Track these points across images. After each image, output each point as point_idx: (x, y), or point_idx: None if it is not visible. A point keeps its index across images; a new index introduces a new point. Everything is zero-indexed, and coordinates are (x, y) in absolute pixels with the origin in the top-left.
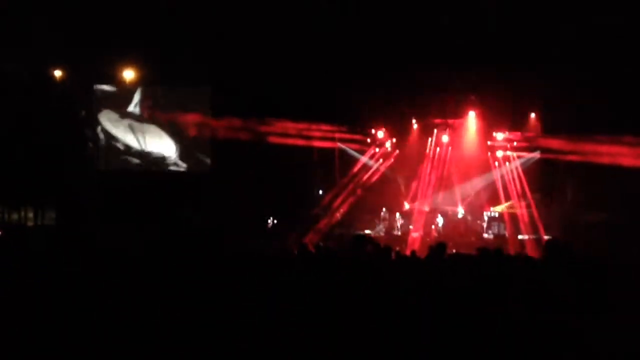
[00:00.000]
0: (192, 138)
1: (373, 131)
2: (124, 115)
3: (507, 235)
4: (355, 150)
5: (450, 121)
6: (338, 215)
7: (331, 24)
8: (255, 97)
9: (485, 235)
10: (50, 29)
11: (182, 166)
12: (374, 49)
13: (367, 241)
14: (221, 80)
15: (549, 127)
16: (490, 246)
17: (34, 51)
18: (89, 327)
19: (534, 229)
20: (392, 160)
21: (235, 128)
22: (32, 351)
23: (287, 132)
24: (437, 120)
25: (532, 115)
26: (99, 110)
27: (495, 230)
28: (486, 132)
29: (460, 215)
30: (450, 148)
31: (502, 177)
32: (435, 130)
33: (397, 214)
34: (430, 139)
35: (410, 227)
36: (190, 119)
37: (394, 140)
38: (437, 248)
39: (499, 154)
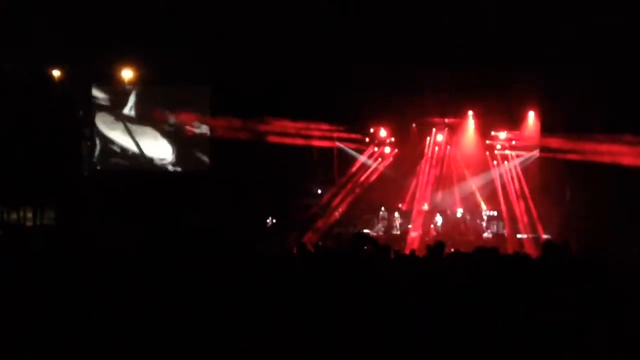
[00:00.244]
0: (190, 137)
1: (372, 130)
2: (120, 117)
3: (506, 234)
4: (354, 150)
5: (448, 120)
6: (337, 214)
7: (331, 23)
8: (254, 97)
9: (485, 235)
10: (49, 29)
11: (181, 166)
12: (373, 49)
13: (367, 240)
14: (220, 80)
15: (548, 126)
16: (489, 245)
17: (32, 51)
18: (88, 328)
19: (532, 228)
20: (390, 159)
21: (234, 128)
22: (32, 351)
23: (286, 132)
24: (436, 120)
25: (531, 114)
26: (95, 113)
27: (495, 229)
28: (485, 131)
29: (459, 215)
30: (448, 147)
31: (500, 176)
32: (434, 130)
33: (396, 213)
34: (428, 138)
35: (409, 226)
36: (189, 119)
37: (393, 139)
38: (436, 247)
39: (498, 153)
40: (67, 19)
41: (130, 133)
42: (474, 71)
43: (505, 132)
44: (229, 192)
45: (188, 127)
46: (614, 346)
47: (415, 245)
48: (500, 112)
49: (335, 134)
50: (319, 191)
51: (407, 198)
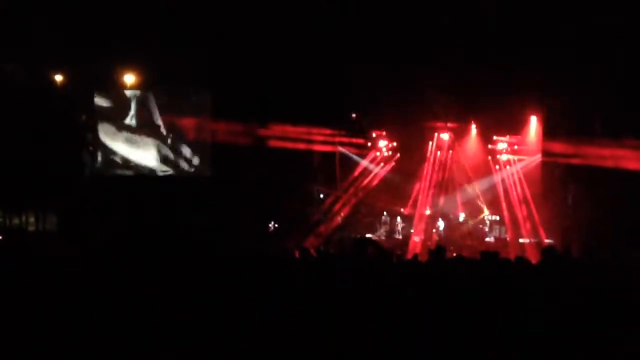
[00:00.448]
0: (192, 142)
1: (374, 135)
2: (122, 128)
3: (508, 238)
4: (356, 154)
5: (451, 125)
6: (339, 219)
7: (332, 27)
8: (256, 101)
9: (487, 239)
10: (51, 33)
11: (182, 171)
12: (375, 53)
13: (369, 244)
14: (222, 84)
15: (550, 131)
16: (491, 250)
17: (34, 55)
18: (89, 331)
19: (535, 233)
20: (393, 164)
21: (236, 132)
22: (33, 354)
23: (287, 136)
24: (438, 124)
25: (533, 118)
26: (97, 123)
27: (497, 234)
28: (487, 135)
29: (461, 219)
30: (450, 152)
31: (502, 180)
32: (436, 134)
33: (398, 218)
34: (431, 143)
35: (412, 230)
36: (191, 123)
37: (395, 144)
38: (437, 251)
39: (500, 157)
40: (69, 23)
41: (132, 144)
42: (476, 75)
43: (508, 136)
44: (230, 197)
45: (189, 132)
46: (615, 350)
47: (418, 250)
48: (502, 117)
49: (337, 139)
50: (321, 196)
51: (410, 202)
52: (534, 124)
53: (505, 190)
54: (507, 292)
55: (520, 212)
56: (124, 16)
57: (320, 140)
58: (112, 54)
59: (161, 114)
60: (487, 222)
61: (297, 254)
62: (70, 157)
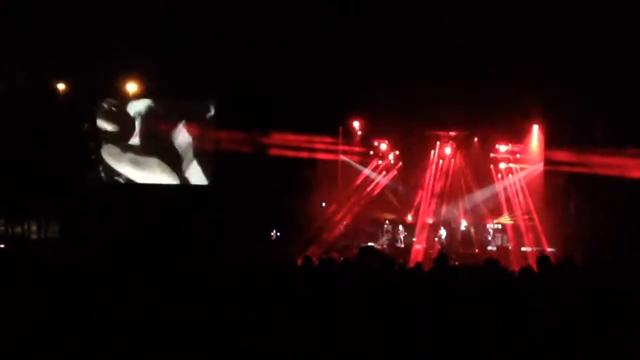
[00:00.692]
0: (195, 150)
1: (376, 143)
2: (126, 149)
3: (510, 247)
4: (358, 163)
5: (453, 133)
6: (341, 227)
7: (335, 36)
8: (258, 109)
9: (489, 248)
10: (54, 41)
11: (185, 180)
12: (377, 62)
13: (375, 253)
14: (224, 93)
15: (552, 139)
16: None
17: (37, 63)
18: (93, 339)
19: (537, 242)
20: (395, 172)
21: (238, 141)
22: None
23: (290, 145)
24: (440, 133)
25: (535, 127)
26: (101, 146)
27: (499, 243)
28: (489, 144)
29: (463, 228)
30: (453, 160)
31: (504, 189)
32: (438, 143)
33: (400, 226)
34: (433, 152)
35: (414, 239)
36: (193, 132)
37: (397, 152)
38: (439, 260)
39: (502, 166)
40: (72, 31)
41: (136, 165)
42: (477, 84)
43: (510, 145)
44: (233, 205)
45: (192, 141)
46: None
47: (420, 259)
48: (504, 125)
49: (340, 147)
50: (323, 204)
51: (412, 211)
52: (535, 132)
53: (508, 199)
54: (509, 300)
55: (522, 221)
56: (126, 24)
57: (323, 148)
58: (115, 62)
59: (164, 122)
60: (490, 230)
61: (299, 262)
62: (73, 165)
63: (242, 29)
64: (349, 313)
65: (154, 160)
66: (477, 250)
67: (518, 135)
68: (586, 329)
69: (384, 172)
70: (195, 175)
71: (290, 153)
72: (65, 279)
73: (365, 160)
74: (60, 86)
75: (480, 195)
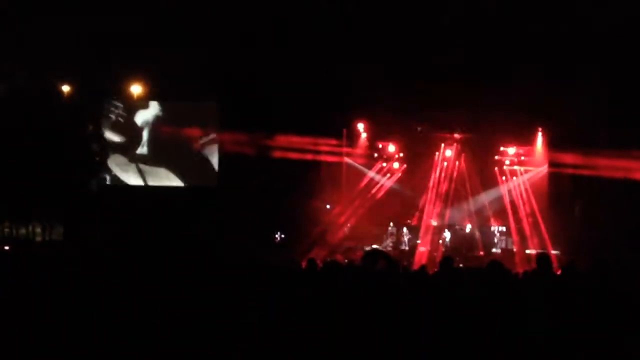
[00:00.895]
0: (199, 152)
1: (380, 146)
2: (134, 159)
3: (515, 249)
4: (363, 165)
5: (457, 136)
6: (345, 229)
7: (338, 39)
8: (263, 112)
9: (493, 250)
10: (59, 44)
11: (190, 182)
12: (382, 64)
13: (380, 256)
14: (228, 96)
15: (557, 142)
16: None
17: (42, 65)
18: (96, 341)
19: (541, 244)
20: (399, 174)
21: (242, 143)
22: None
23: (294, 147)
24: (445, 135)
25: (539, 129)
26: (107, 156)
27: (503, 245)
28: (493, 146)
29: (467, 230)
30: (457, 162)
31: (509, 191)
32: (443, 145)
33: (405, 229)
34: (437, 154)
35: (418, 241)
36: (198, 134)
37: (401, 154)
38: (445, 262)
39: (506, 168)
40: (76, 35)
41: (143, 175)
42: (482, 86)
43: (514, 147)
44: (237, 207)
45: (197, 143)
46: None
47: (424, 261)
48: (509, 128)
49: (344, 149)
50: (328, 206)
51: (416, 213)
52: (540, 134)
53: (512, 201)
54: (513, 302)
55: (527, 223)
56: (131, 27)
57: (327, 150)
58: (119, 64)
59: (170, 128)
60: (495, 232)
61: (303, 265)
62: (77, 167)
63: (246, 31)
64: (353, 315)
65: (162, 170)
66: (481, 253)
67: (522, 138)
68: (588, 331)
69: (388, 175)
70: (200, 177)
71: (294, 155)
72: (69, 281)
73: (369, 163)
74: (65, 88)
75: (484, 198)
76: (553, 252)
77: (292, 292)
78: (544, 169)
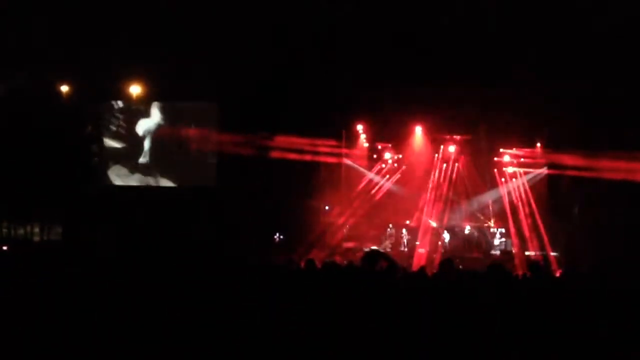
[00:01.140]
0: (198, 153)
1: (379, 147)
2: (135, 169)
3: (514, 251)
4: (362, 166)
5: (457, 137)
6: (345, 230)
7: (337, 40)
8: (262, 113)
9: (492, 252)
10: (57, 43)
11: (189, 182)
12: (382, 65)
13: (380, 257)
14: (228, 96)
15: (557, 144)
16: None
17: (41, 66)
18: (95, 340)
19: (541, 246)
20: (398, 176)
21: (242, 143)
22: None
23: (293, 148)
24: (444, 136)
25: (539, 131)
26: (108, 166)
27: (503, 247)
28: (493, 148)
29: (466, 231)
30: (457, 164)
31: (508, 193)
32: (442, 146)
33: (404, 230)
34: (436, 155)
35: (417, 243)
36: (197, 134)
37: (401, 156)
38: (446, 264)
39: (506, 170)
40: (75, 35)
41: (144, 183)
42: (482, 88)
43: (514, 149)
44: (236, 208)
45: (196, 144)
46: None
47: (423, 262)
48: (509, 129)
49: (343, 150)
50: (327, 207)
51: (415, 215)
52: (539, 136)
53: (511, 203)
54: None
55: (526, 225)
56: (130, 27)
57: (326, 151)
58: (118, 64)
59: (168, 126)
60: (494, 234)
61: (302, 265)
62: (76, 168)
63: (246, 32)
64: (352, 316)
65: (163, 180)
66: (480, 255)
67: (522, 139)
68: (588, 332)
69: (387, 176)
70: (199, 178)
71: (293, 156)
72: (68, 281)
73: (368, 164)
74: (64, 89)
75: (483, 199)
76: (552, 254)
77: (291, 292)
78: (543, 171)
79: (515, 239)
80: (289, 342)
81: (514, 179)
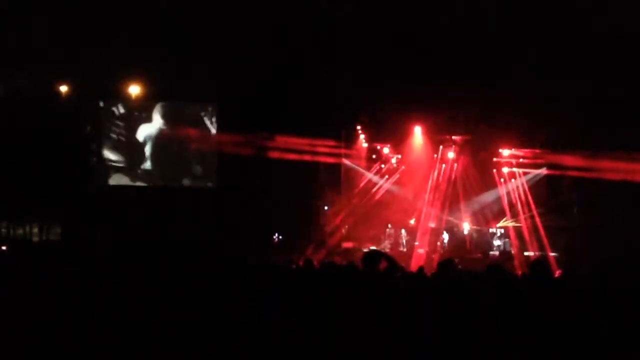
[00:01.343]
0: (197, 153)
1: (379, 147)
2: (136, 178)
3: (513, 252)
4: (361, 166)
5: (456, 137)
6: (343, 231)
7: (337, 40)
8: (261, 113)
9: (491, 252)
10: (57, 45)
11: (188, 183)
12: (382, 65)
13: (382, 257)
14: (228, 96)
15: (557, 144)
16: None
17: (40, 66)
18: (94, 340)
19: (540, 246)
20: (397, 176)
21: (241, 144)
22: None
23: (293, 148)
24: (443, 137)
25: (538, 131)
26: (109, 176)
27: (502, 247)
28: (492, 148)
29: (465, 232)
30: (455, 164)
31: (507, 193)
32: (441, 147)
33: (403, 230)
34: (435, 155)
35: (416, 243)
36: (197, 135)
37: (400, 156)
38: (446, 264)
39: (505, 170)
40: (74, 36)
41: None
42: (482, 89)
43: (513, 149)
44: (235, 208)
45: (196, 144)
46: None
47: (422, 263)
48: (509, 129)
49: (342, 151)
50: (326, 207)
51: (414, 215)
52: (538, 137)
53: (510, 203)
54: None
55: (525, 225)
56: (130, 27)
57: (325, 152)
58: (118, 64)
59: (169, 129)
60: (493, 234)
61: (301, 265)
62: (75, 167)
63: (246, 32)
64: (350, 316)
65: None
66: (479, 255)
67: (521, 140)
68: (588, 333)
69: (386, 176)
70: (198, 178)
71: (293, 156)
72: (67, 281)
73: (368, 164)
74: (63, 88)
75: (483, 199)
76: (551, 254)
77: (290, 292)
78: (542, 171)
79: (514, 240)
80: (288, 342)
81: (513, 179)
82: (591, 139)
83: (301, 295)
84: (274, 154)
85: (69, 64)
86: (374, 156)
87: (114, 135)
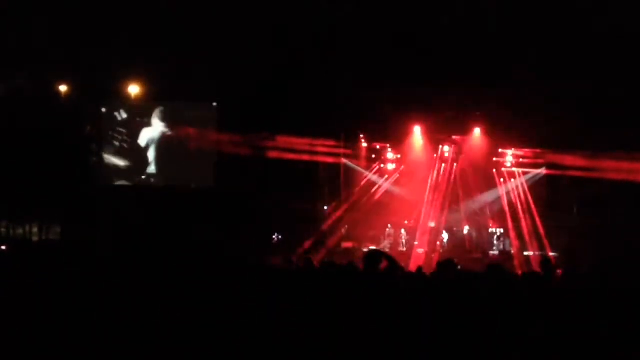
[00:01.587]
0: (197, 153)
1: (378, 147)
2: (140, 183)
3: (512, 251)
4: (361, 166)
5: (455, 137)
6: (343, 231)
7: (337, 40)
8: (261, 113)
9: (491, 252)
10: (57, 45)
11: (188, 182)
12: (382, 65)
13: (383, 257)
14: (227, 97)
15: (557, 144)
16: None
17: (40, 67)
18: (94, 340)
19: (540, 246)
20: (397, 176)
21: (242, 144)
22: None
23: (292, 148)
24: (443, 137)
25: (538, 131)
26: (114, 182)
27: (501, 247)
28: (492, 148)
29: (465, 232)
30: (455, 164)
31: (507, 193)
32: (441, 147)
33: (402, 230)
34: (435, 155)
35: (416, 243)
36: (197, 135)
37: (399, 156)
38: (447, 265)
39: (505, 170)
40: (74, 36)
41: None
42: (481, 88)
43: (513, 149)
44: (235, 208)
45: (195, 143)
46: None
47: (421, 263)
48: (508, 129)
49: (342, 151)
50: (325, 207)
51: (414, 215)
52: (538, 136)
53: (510, 203)
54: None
55: (525, 225)
56: (130, 27)
57: (325, 152)
58: (118, 64)
59: (170, 131)
60: (492, 234)
61: (301, 265)
62: (75, 167)
63: (246, 32)
64: (350, 316)
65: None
66: (479, 255)
67: (521, 140)
68: (588, 333)
69: (386, 176)
70: (198, 178)
71: (292, 156)
72: (66, 281)
73: (367, 164)
74: (63, 88)
75: (482, 200)
76: (552, 254)
77: (289, 292)
78: (542, 171)
79: (514, 240)
80: (288, 341)
81: (512, 179)
82: (591, 139)
83: (301, 295)
84: (274, 154)
85: (69, 64)
86: (373, 156)
87: (116, 143)
